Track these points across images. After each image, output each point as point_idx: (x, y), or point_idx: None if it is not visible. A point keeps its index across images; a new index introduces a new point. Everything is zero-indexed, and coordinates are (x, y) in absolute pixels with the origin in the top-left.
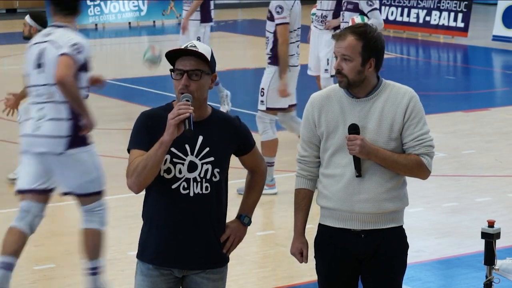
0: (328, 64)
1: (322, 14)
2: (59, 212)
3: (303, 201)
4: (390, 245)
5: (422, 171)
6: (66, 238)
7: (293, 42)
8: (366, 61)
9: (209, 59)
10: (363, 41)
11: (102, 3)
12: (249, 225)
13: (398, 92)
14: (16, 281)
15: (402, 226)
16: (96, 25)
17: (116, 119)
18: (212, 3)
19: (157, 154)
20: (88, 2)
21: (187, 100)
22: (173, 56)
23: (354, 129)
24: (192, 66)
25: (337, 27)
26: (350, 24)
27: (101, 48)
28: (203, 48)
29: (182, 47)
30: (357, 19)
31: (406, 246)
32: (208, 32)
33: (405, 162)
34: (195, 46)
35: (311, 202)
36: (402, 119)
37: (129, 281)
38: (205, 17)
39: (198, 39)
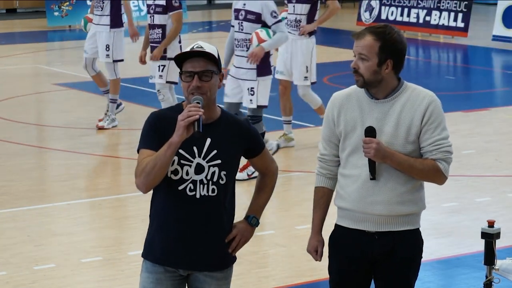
0: (307, 71)
1: (296, 18)
2: (59, 212)
3: (321, 199)
4: (405, 247)
5: (438, 177)
6: (66, 238)
7: None
8: (383, 62)
9: (217, 58)
10: (381, 42)
11: None
12: (256, 226)
13: (418, 95)
14: (16, 281)
15: (418, 228)
16: None
17: (117, 118)
18: (122, 7)
19: (166, 155)
20: (88, 2)
21: (197, 102)
22: (180, 58)
23: (370, 132)
24: (202, 67)
25: (312, 32)
26: (254, 38)
27: None
28: (210, 48)
29: (189, 49)
30: (262, 33)
31: (421, 249)
32: (121, 37)
33: (421, 167)
34: (201, 47)
35: (329, 201)
36: (420, 122)
37: (129, 281)
38: (116, 22)
39: (107, 47)
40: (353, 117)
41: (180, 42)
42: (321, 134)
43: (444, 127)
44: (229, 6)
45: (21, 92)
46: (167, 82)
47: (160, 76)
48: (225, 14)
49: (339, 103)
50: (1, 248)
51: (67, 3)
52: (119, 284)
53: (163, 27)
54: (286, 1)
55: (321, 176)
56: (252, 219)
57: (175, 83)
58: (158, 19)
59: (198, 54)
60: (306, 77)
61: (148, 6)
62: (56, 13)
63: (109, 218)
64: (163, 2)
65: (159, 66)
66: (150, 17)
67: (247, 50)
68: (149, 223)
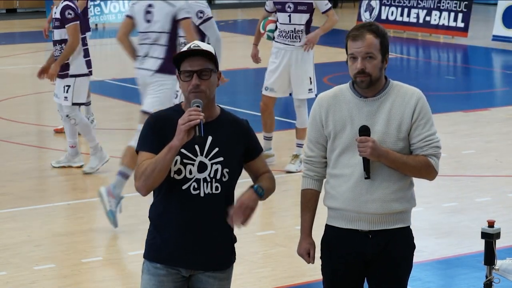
0: (311, 83)
1: (295, 29)
2: (59, 212)
3: (310, 201)
4: (397, 245)
5: (430, 172)
6: (66, 238)
7: None
8: (383, 57)
9: (215, 56)
10: (380, 38)
11: (102, 3)
12: (261, 197)
13: (406, 92)
14: (16, 281)
15: (409, 226)
16: (96, 25)
17: (117, 119)
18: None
19: (166, 158)
20: (88, 2)
21: (197, 106)
22: (178, 58)
23: (364, 130)
24: (200, 65)
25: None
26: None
27: (101, 48)
28: (207, 47)
29: (186, 49)
30: None
31: (413, 247)
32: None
33: (414, 164)
34: (198, 46)
35: (317, 203)
36: (410, 119)
37: (129, 281)
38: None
39: None
40: (342, 116)
41: (86, 56)
42: (307, 137)
43: (432, 122)
44: (229, 6)
45: (21, 92)
46: (73, 104)
47: (66, 98)
48: (225, 14)
49: (327, 104)
50: (1, 248)
51: None
52: (119, 284)
53: (64, 42)
54: (272, 11)
55: (308, 178)
56: (258, 188)
57: (85, 104)
58: (58, 34)
59: (195, 53)
60: (310, 89)
61: (53, 20)
62: None
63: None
64: (59, 16)
65: (64, 87)
66: (52, 33)
67: None
68: (150, 224)
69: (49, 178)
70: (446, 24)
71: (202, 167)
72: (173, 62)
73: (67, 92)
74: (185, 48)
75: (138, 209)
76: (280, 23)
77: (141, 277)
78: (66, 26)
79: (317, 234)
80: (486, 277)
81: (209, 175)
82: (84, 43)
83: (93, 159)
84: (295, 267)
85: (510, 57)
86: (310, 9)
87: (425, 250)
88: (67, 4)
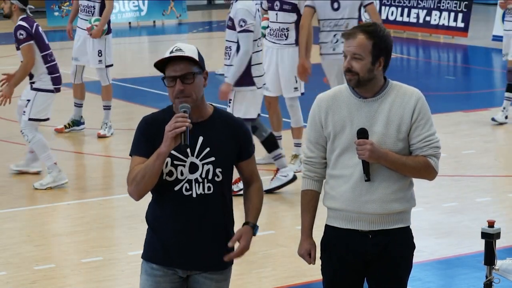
0: (297, 81)
1: (280, 27)
2: (59, 212)
3: (310, 202)
4: (397, 245)
5: (430, 173)
6: (66, 238)
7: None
8: (376, 60)
9: (197, 58)
10: (373, 40)
11: None
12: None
13: (405, 93)
14: (16, 281)
15: (409, 226)
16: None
17: (117, 119)
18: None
19: (155, 165)
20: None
21: (184, 111)
22: (161, 64)
23: (362, 133)
24: (183, 70)
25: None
26: None
27: None
28: (189, 50)
29: (168, 55)
30: None
31: (412, 247)
32: (110, 42)
33: (413, 165)
34: (180, 50)
35: (318, 203)
36: (410, 120)
37: (129, 281)
38: (107, 28)
39: (100, 52)
40: (341, 117)
41: (52, 73)
42: (306, 137)
43: (432, 123)
44: (229, 6)
45: (21, 92)
46: (29, 119)
47: (24, 112)
48: (225, 14)
49: (326, 105)
50: (1, 248)
51: (67, 3)
52: (119, 284)
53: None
54: (267, 9)
55: (308, 179)
56: (256, 230)
57: (44, 120)
58: (20, 55)
59: (178, 58)
60: (296, 88)
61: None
62: (56, 13)
63: (109, 218)
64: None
65: (27, 101)
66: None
67: (228, 58)
68: (148, 225)
69: None
70: (446, 24)
71: (193, 168)
72: (155, 66)
73: (26, 106)
74: (167, 52)
75: (138, 209)
76: (270, 21)
77: (140, 277)
78: (20, 47)
79: (317, 234)
80: (486, 277)
81: (200, 175)
82: (48, 60)
83: (48, 177)
84: (295, 267)
85: None
86: (295, 9)
87: (425, 250)
88: (19, 25)
